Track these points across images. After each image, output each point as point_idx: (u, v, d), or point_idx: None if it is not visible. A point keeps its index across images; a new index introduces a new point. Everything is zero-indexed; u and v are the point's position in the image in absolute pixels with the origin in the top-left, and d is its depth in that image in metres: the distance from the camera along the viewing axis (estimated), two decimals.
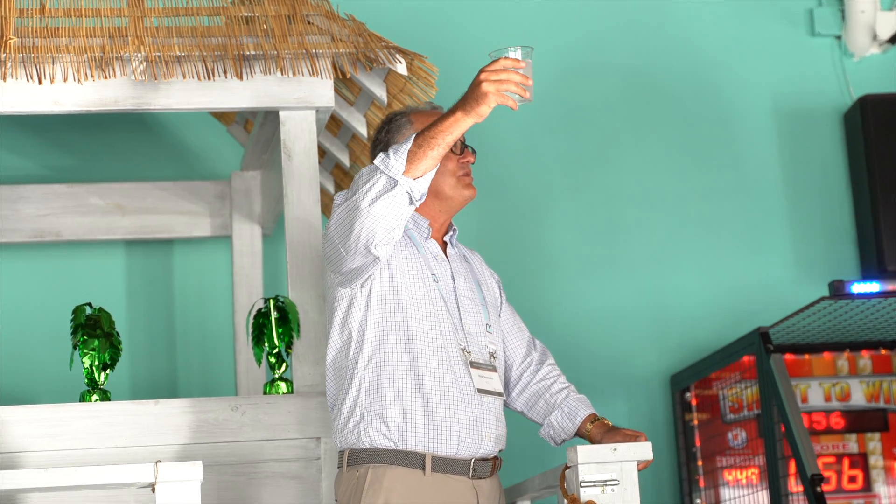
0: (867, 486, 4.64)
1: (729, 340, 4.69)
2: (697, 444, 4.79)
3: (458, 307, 3.39)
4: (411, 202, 3.13)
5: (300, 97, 3.86)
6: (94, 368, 3.70)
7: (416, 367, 3.27)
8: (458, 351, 3.32)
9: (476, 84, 3.08)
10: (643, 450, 3.23)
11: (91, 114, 3.91)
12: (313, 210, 3.83)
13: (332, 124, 4.41)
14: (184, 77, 3.78)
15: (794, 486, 4.18)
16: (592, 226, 5.06)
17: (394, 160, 3.10)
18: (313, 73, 3.84)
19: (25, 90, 3.74)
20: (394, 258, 3.32)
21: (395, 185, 3.10)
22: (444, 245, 3.49)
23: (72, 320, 3.74)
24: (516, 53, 3.11)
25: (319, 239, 3.79)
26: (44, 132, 4.83)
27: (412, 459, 3.24)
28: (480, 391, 3.32)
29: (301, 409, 3.68)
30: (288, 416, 3.68)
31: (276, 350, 3.78)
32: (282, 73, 3.82)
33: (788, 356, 4.64)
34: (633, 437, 3.31)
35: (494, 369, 3.40)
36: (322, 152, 4.47)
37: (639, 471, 3.25)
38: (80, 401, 3.71)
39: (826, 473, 4.57)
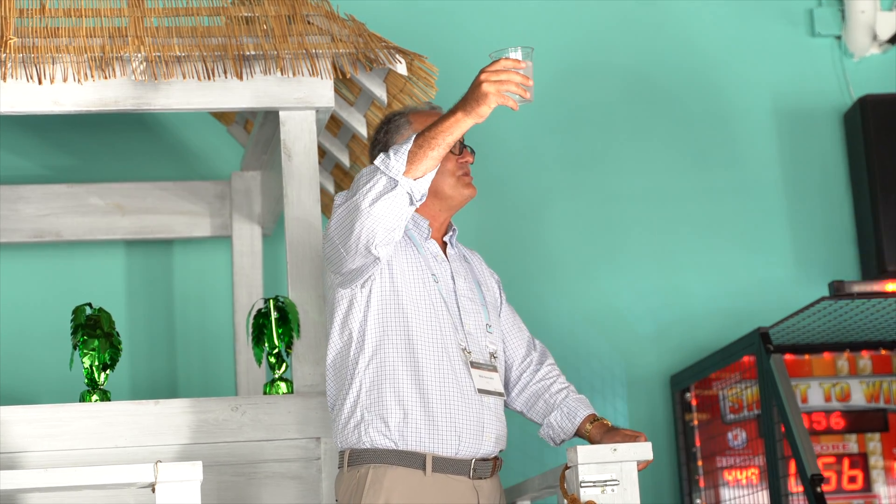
0: (867, 487, 4.64)
1: (729, 340, 4.69)
2: (697, 444, 4.79)
3: (459, 307, 3.39)
4: (412, 202, 3.13)
5: (300, 97, 3.86)
6: (94, 368, 3.70)
7: (417, 367, 3.27)
8: (458, 351, 3.32)
9: (476, 84, 3.08)
10: (643, 450, 3.23)
11: (91, 114, 3.91)
12: (313, 210, 3.83)
13: (332, 124, 4.41)
14: (184, 77, 3.78)
15: (794, 486, 4.18)
16: (592, 226, 5.06)
17: (394, 161, 3.10)
18: (313, 74, 3.84)
19: (25, 90, 3.74)
20: (394, 259, 3.32)
21: (396, 186, 3.10)
22: (443, 245, 3.49)
23: (72, 320, 3.74)
24: (517, 54, 3.11)
25: (319, 239, 3.79)
26: (44, 132, 4.83)
27: (413, 460, 3.24)
28: (481, 391, 3.32)
29: (301, 410, 3.68)
30: (288, 416, 3.68)
31: (276, 350, 3.78)
32: (282, 74, 3.82)
33: (788, 356, 4.64)
34: (632, 437, 3.31)
35: (495, 369, 3.40)
36: (322, 152, 4.47)
37: (639, 471, 3.25)
38: (80, 401, 3.71)
39: (826, 474, 4.57)
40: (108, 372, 3.72)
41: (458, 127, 3.10)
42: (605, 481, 3.20)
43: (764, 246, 5.12)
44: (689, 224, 5.11)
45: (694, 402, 4.82)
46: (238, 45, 3.81)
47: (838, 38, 5.30)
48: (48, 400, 4.08)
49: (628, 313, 5.01)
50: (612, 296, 5.01)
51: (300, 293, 3.78)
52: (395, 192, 3.10)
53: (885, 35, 5.23)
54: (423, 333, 3.29)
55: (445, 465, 3.25)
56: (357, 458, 3.27)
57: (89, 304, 3.76)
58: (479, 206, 4.76)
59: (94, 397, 3.69)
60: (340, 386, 3.34)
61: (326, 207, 4.66)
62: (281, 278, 4.76)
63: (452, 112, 3.11)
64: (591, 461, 3.20)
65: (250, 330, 3.83)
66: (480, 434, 3.30)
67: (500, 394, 3.37)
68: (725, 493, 4.63)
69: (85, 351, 3.70)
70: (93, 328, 3.71)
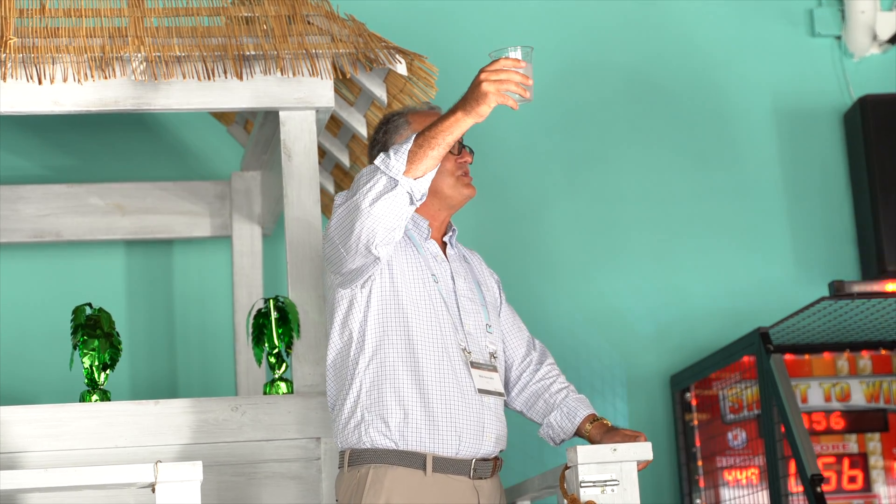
0: (867, 487, 4.64)
1: (729, 340, 4.69)
2: (697, 444, 4.79)
3: (458, 307, 3.39)
4: (412, 202, 3.13)
5: (300, 97, 3.86)
6: (94, 368, 3.70)
7: (417, 367, 3.27)
8: (458, 351, 3.32)
9: (476, 84, 3.08)
10: (643, 450, 3.23)
11: (91, 114, 3.91)
12: (313, 210, 3.83)
13: (332, 124, 4.41)
14: (184, 77, 3.78)
15: (794, 486, 4.18)
16: (592, 226, 5.06)
17: (394, 160, 3.10)
18: (313, 74, 3.84)
19: (25, 90, 3.74)
20: (394, 259, 3.32)
21: (396, 186, 3.10)
22: (443, 245, 3.49)
23: (72, 320, 3.74)
24: (516, 53, 3.11)
25: (319, 239, 3.79)
26: (44, 132, 4.83)
27: (413, 460, 3.24)
28: (481, 391, 3.32)
29: (301, 410, 3.68)
30: (288, 416, 3.68)
31: (276, 350, 3.78)
32: (282, 74, 3.82)
33: (788, 356, 4.64)
34: (632, 437, 3.31)
35: (495, 369, 3.40)
36: (322, 152, 4.47)
37: (638, 471, 3.25)
38: (80, 401, 3.71)
39: (826, 474, 4.57)
40: (108, 372, 3.72)
41: (458, 126, 3.10)
42: (605, 481, 3.20)
43: (764, 246, 5.12)
44: (688, 224, 5.11)
45: (694, 402, 4.82)
46: (238, 45, 3.81)
47: (838, 38, 5.30)
48: (48, 400, 4.08)
49: (628, 313, 5.01)
50: (612, 296, 5.01)
51: (300, 293, 3.78)
52: (396, 191, 3.10)
53: (885, 35, 5.23)
54: (423, 333, 3.29)
55: (446, 466, 3.25)
56: (357, 459, 3.27)
57: (89, 304, 3.76)
58: (479, 206, 4.76)
59: (94, 397, 3.69)
60: (341, 386, 3.34)
61: (326, 207, 4.66)
62: (281, 278, 4.76)
63: (452, 111, 3.11)
64: (591, 461, 3.20)
65: (250, 330, 3.83)
66: (481, 434, 3.30)
67: (500, 394, 3.37)
68: (725, 493, 4.63)
69: (85, 351, 3.69)
70: (93, 328, 3.70)
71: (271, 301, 3.78)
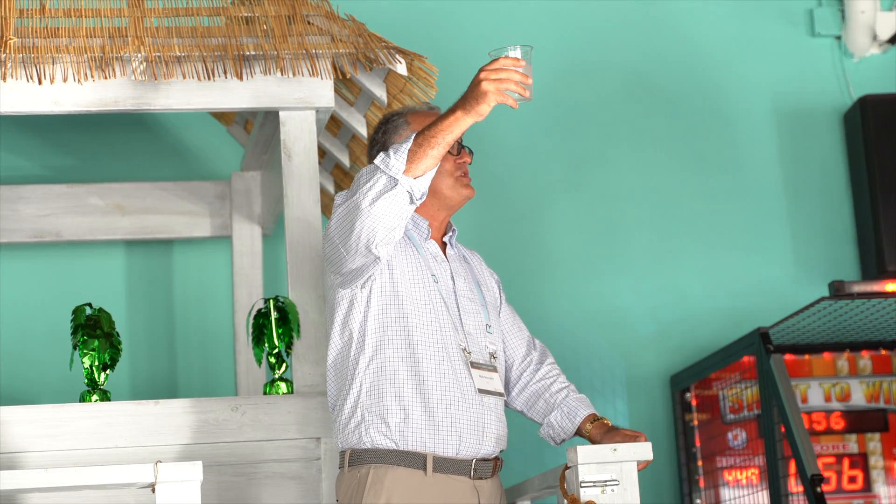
0: (867, 487, 4.64)
1: (729, 341, 4.69)
2: (697, 444, 4.79)
3: (458, 307, 3.39)
4: (412, 201, 3.13)
5: (300, 97, 3.86)
6: (94, 369, 3.70)
7: (417, 367, 3.27)
8: (458, 351, 3.32)
9: (476, 83, 3.08)
10: (643, 450, 3.23)
11: (91, 114, 3.91)
12: (313, 210, 3.83)
13: (332, 124, 4.41)
14: (184, 77, 3.78)
15: (794, 486, 4.18)
16: (592, 226, 5.06)
17: (394, 159, 3.10)
18: (313, 74, 3.84)
19: (25, 90, 3.74)
20: (394, 259, 3.32)
21: (396, 185, 3.10)
22: (443, 246, 3.49)
23: (72, 320, 3.74)
24: (516, 52, 3.11)
25: (319, 239, 3.79)
26: (44, 132, 4.83)
27: (413, 460, 3.24)
28: (481, 391, 3.32)
29: (301, 410, 3.68)
30: (288, 416, 3.68)
31: (277, 350, 3.78)
32: (282, 74, 3.82)
33: (788, 356, 4.64)
34: (632, 437, 3.31)
35: (495, 369, 3.39)
36: (322, 152, 4.47)
37: (639, 471, 3.25)
38: (80, 401, 3.70)
39: (826, 474, 4.57)
40: (108, 372, 3.72)
41: (458, 125, 3.10)
42: (605, 481, 3.20)
43: (764, 246, 5.12)
44: (688, 224, 5.11)
45: (694, 402, 4.82)
46: (238, 45, 3.81)
47: (838, 38, 5.30)
48: (48, 400, 4.08)
49: (628, 313, 5.01)
50: (613, 296, 5.01)
51: (300, 293, 3.78)
52: (396, 190, 3.10)
53: (885, 35, 5.23)
54: (423, 334, 3.29)
55: (446, 466, 3.25)
56: (358, 459, 3.27)
57: (89, 304, 3.76)
58: (479, 206, 4.76)
59: (94, 397, 3.69)
60: (341, 386, 3.34)
61: (326, 207, 4.66)
62: (281, 278, 4.76)
63: (452, 111, 3.11)
64: (591, 461, 3.20)
65: (250, 330, 3.82)
66: (481, 434, 3.30)
67: (500, 394, 3.37)
68: (725, 494, 4.63)
69: (85, 351, 3.69)
70: (93, 328, 3.70)
71: (271, 301, 3.78)
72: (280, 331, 3.77)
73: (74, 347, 3.71)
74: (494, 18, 5.11)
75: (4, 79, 3.70)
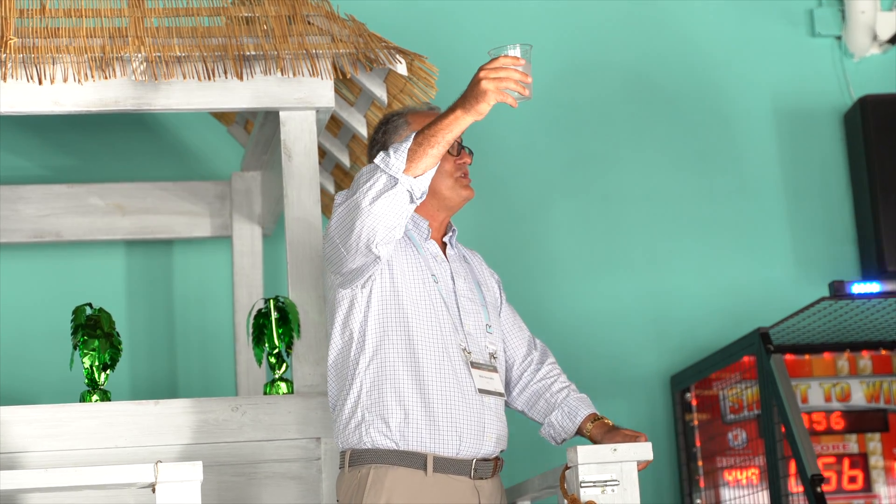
0: (867, 487, 4.64)
1: (729, 341, 4.69)
2: (697, 444, 4.79)
3: (458, 308, 3.39)
4: (412, 200, 3.13)
5: (300, 97, 3.86)
6: (94, 369, 3.70)
7: (417, 367, 3.27)
8: (458, 351, 3.32)
9: (475, 82, 3.08)
10: (643, 450, 3.23)
11: (91, 114, 3.91)
12: (313, 210, 3.83)
13: (333, 125, 4.41)
14: (184, 77, 3.78)
15: (795, 486, 4.18)
16: (592, 226, 5.06)
17: (394, 158, 3.10)
18: (313, 74, 3.84)
19: (25, 90, 3.74)
20: (394, 259, 3.32)
21: (396, 184, 3.10)
22: (443, 246, 3.49)
23: (72, 320, 3.74)
24: (515, 51, 3.11)
25: (319, 239, 3.79)
26: (44, 132, 4.83)
27: (414, 460, 3.24)
28: (481, 391, 3.32)
29: (301, 410, 3.68)
30: (288, 416, 3.67)
31: (277, 350, 3.78)
32: (282, 74, 3.82)
33: (789, 356, 4.64)
34: (633, 437, 3.31)
35: (495, 369, 3.39)
36: (322, 153, 4.47)
37: (639, 471, 3.25)
38: (80, 401, 3.70)
39: (826, 474, 4.57)
40: (108, 372, 3.72)
41: (458, 124, 3.10)
42: (605, 481, 3.20)
43: (764, 246, 5.12)
44: (688, 224, 5.10)
45: (694, 403, 4.82)
46: (238, 45, 3.81)
47: (838, 38, 5.30)
48: (48, 400, 4.07)
49: (628, 313, 5.00)
50: (613, 296, 5.01)
51: (300, 293, 3.78)
52: (396, 189, 3.10)
53: (885, 35, 5.23)
54: (423, 334, 3.29)
55: (446, 466, 3.25)
56: (358, 459, 3.27)
57: (89, 305, 3.76)
58: (479, 206, 4.76)
59: (95, 397, 3.69)
60: (341, 386, 3.34)
61: (326, 208, 4.66)
62: (281, 278, 4.76)
63: (452, 110, 3.11)
64: (592, 461, 3.20)
65: (250, 330, 3.82)
66: (481, 434, 3.30)
67: (500, 394, 3.37)
68: (725, 494, 4.63)
69: (85, 351, 3.69)
70: (93, 328, 3.70)
71: (271, 301, 3.78)
72: (280, 331, 3.76)
73: (74, 347, 3.71)
74: (494, 18, 5.11)
75: (4, 79, 3.70)
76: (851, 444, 4.67)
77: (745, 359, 4.47)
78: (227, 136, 4.89)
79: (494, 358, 3.42)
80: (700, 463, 4.77)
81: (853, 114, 5.14)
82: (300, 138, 3.87)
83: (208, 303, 4.83)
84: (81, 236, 4.62)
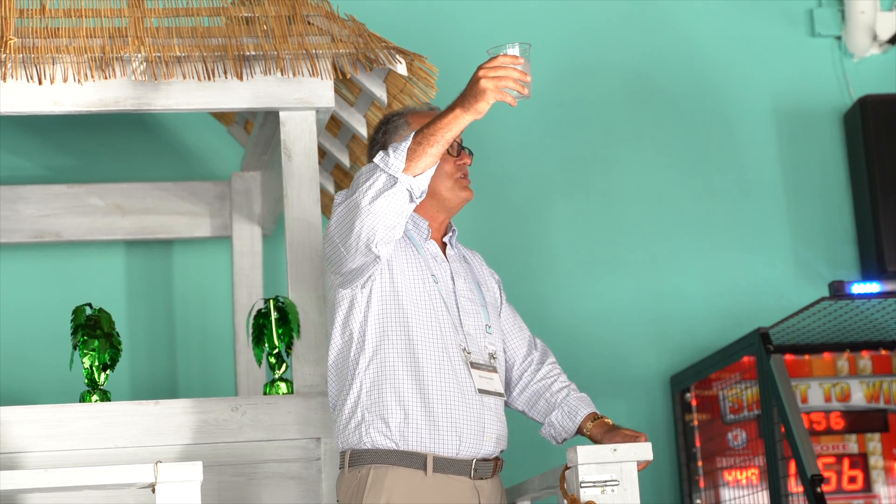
0: (867, 487, 4.64)
1: (729, 341, 4.69)
2: (697, 444, 4.79)
3: (458, 308, 3.39)
4: (411, 200, 3.13)
5: (300, 98, 3.86)
6: (94, 369, 3.70)
7: (417, 367, 3.27)
8: (458, 351, 3.32)
9: (474, 81, 3.08)
10: (643, 450, 3.23)
11: (91, 114, 3.91)
12: (313, 210, 3.83)
13: (333, 125, 4.41)
14: (184, 77, 3.78)
15: (795, 486, 4.18)
16: (592, 226, 5.06)
17: (393, 158, 3.10)
18: (313, 74, 3.84)
19: (25, 90, 3.74)
20: (394, 259, 3.32)
21: (396, 183, 3.10)
22: (443, 246, 3.49)
23: (72, 321, 3.74)
24: (514, 50, 3.11)
25: (319, 239, 3.79)
26: (44, 132, 4.83)
27: (414, 460, 3.24)
28: (481, 391, 3.31)
29: (301, 410, 3.68)
30: (288, 416, 3.67)
31: (277, 350, 3.78)
32: (282, 74, 3.82)
33: (788, 357, 4.64)
34: (633, 437, 3.31)
35: (495, 370, 3.39)
36: (322, 153, 4.47)
37: (639, 471, 3.25)
38: (80, 401, 3.70)
39: (826, 474, 4.57)
40: (108, 372, 3.72)
41: (457, 123, 3.10)
42: (605, 481, 3.20)
43: (764, 246, 5.12)
44: (688, 224, 5.11)
45: (694, 403, 4.82)
46: (238, 45, 3.81)
47: (838, 38, 5.30)
48: (48, 400, 4.08)
49: (628, 313, 5.00)
50: (613, 296, 5.01)
51: (300, 293, 3.78)
52: (395, 189, 3.10)
53: (885, 35, 5.23)
54: (423, 334, 3.29)
55: (446, 466, 3.25)
56: (358, 459, 3.27)
57: (89, 305, 3.76)
58: (479, 206, 4.75)
59: (95, 398, 3.69)
60: (341, 386, 3.34)
61: (326, 208, 4.66)
62: (281, 278, 4.76)
63: (451, 109, 3.11)
64: (591, 461, 3.20)
65: (250, 330, 3.82)
66: (481, 434, 3.30)
67: (500, 394, 3.37)
68: (725, 494, 4.63)
69: (85, 351, 3.69)
70: (93, 328, 3.70)
71: (271, 301, 3.78)
72: (280, 331, 3.76)
73: (74, 348, 3.71)
74: (494, 18, 5.11)
75: (4, 79, 3.70)
76: (851, 445, 4.67)
77: (745, 359, 4.47)
78: (227, 136, 4.89)
79: (494, 358, 3.42)
80: (700, 463, 4.77)
81: (853, 114, 5.14)
82: (300, 138, 3.87)
83: (208, 303, 4.84)
84: (81, 236, 4.62)
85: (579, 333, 4.95)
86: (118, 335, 3.75)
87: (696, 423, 4.81)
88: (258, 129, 4.37)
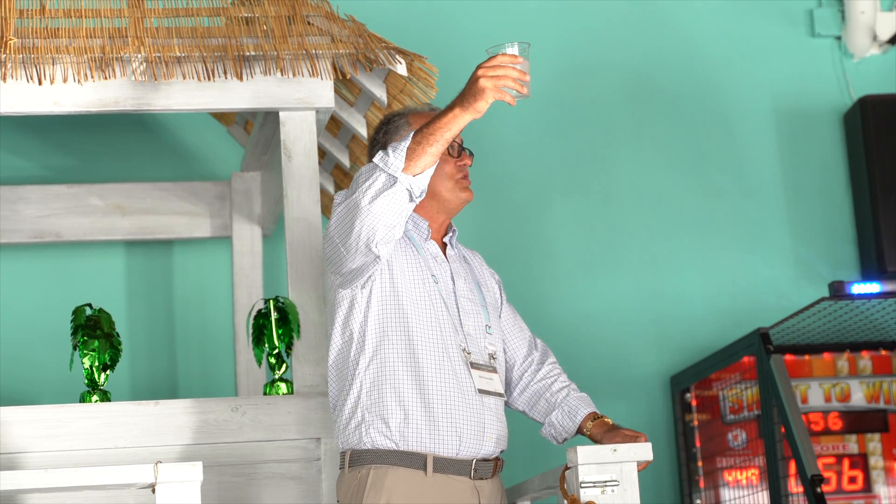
0: (867, 487, 4.64)
1: (729, 341, 4.69)
2: (697, 444, 4.79)
3: (458, 308, 3.39)
4: (411, 199, 3.13)
5: (300, 98, 3.86)
6: (94, 369, 3.70)
7: (417, 367, 3.27)
8: (458, 352, 3.32)
9: (474, 80, 3.08)
10: (643, 450, 3.23)
11: (91, 114, 3.91)
12: (313, 210, 3.83)
13: (332, 125, 4.41)
14: (184, 78, 3.78)
15: (795, 486, 4.18)
16: (592, 226, 5.06)
17: (393, 157, 3.10)
18: (313, 74, 3.84)
19: (25, 91, 3.74)
20: (394, 259, 3.32)
21: (395, 183, 3.10)
22: (443, 246, 3.49)
23: (72, 321, 3.74)
24: (513, 49, 3.11)
25: (319, 239, 3.79)
26: (44, 133, 4.83)
27: (414, 460, 3.24)
28: (481, 392, 3.31)
29: (301, 410, 3.68)
30: (288, 416, 3.67)
31: (277, 351, 3.78)
32: (282, 74, 3.82)
33: (788, 357, 4.64)
34: (633, 437, 3.31)
35: (494, 370, 3.39)
36: (322, 153, 4.47)
37: (639, 471, 3.25)
38: (80, 401, 3.70)
39: (826, 474, 4.57)
40: (108, 372, 3.72)
41: (456, 123, 3.10)
42: (605, 482, 3.20)
43: (764, 246, 5.12)
44: (688, 224, 5.11)
45: (694, 403, 4.82)
46: (238, 45, 3.81)
47: (838, 38, 5.30)
48: (48, 400, 4.08)
49: (628, 313, 5.00)
50: (613, 296, 5.01)
51: (300, 293, 3.78)
52: (395, 188, 3.10)
53: (885, 35, 5.23)
54: (423, 334, 3.29)
55: (446, 466, 3.25)
56: (358, 459, 3.27)
57: (89, 305, 3.76)
58: (479, 207, 4.75)
59: (95, 398, 3.69)
60: (341, 386, 3.34)
61: (326, 208, 4.66)
62: (281, 279, 4.76)
63: (450, 108, 3.11)
64: (591, 462, 3.20)
65: (250, 330, 3.82)
66: (481, 434, 3.30)
67: (500, 394, 3.37)
68: (725, 494, 4.63)
69: (85, 351, 3.69)
70: (93, 329, 3.70)
71: (271, 301, 3.78)
72: (280, 331, 3.77)
73: (74, 348, 3.71)
74: (494, 18, 5.11)
75: (4, 79, 3.70)
76: (851, 445, 4.67)
77: (745, 359, 4.47)
78: (226, 136, 4.89)
79: (494, 358, 3.42)
80: (700, 463, 4.77)
81: (853, 114, 5.14)
82: (300, 138, 3.87)
83: (208, 303, 4.84)
84: (81, 237, 4.63)
85: (579, 333, 4.95)
86: (118, 335, 3.75)
87: (696, 423, 4.81)
88: (258, 129, 4.37)
